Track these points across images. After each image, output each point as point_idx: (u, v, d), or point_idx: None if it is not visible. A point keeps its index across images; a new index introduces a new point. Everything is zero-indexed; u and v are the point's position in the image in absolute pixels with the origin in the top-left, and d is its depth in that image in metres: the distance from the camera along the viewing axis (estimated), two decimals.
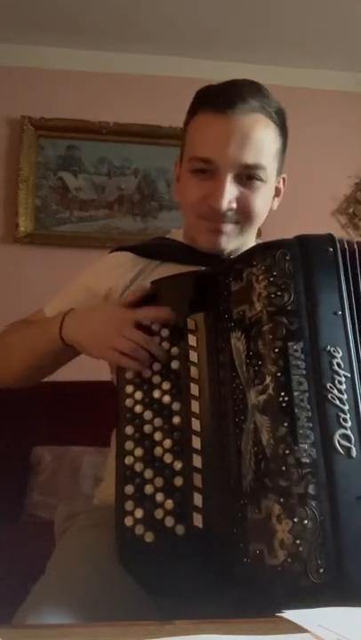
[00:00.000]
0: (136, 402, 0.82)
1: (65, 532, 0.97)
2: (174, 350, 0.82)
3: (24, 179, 2.67)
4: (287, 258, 0.76)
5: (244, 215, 0.92)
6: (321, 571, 0.63)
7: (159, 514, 0.74)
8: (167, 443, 0.78)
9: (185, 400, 0.79)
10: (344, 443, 0.67)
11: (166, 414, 0.79)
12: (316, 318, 0.72)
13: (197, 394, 0.79)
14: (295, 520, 0.65)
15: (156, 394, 0.81)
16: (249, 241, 0.99)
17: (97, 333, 0.87)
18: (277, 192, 1.01)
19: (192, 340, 0.82)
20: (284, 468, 0.67)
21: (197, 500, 0.73)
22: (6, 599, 0.76)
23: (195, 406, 0.78)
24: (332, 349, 0.71)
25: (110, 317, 0.87)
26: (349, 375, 0.70)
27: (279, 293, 0.74)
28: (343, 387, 0.69)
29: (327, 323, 0.72)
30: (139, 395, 0.82)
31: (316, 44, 2.65)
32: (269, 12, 2.42)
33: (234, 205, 0.91)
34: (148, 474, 0.77)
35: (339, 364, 0.70)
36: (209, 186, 0.90)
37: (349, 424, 0.67)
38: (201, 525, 0.72)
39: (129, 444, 0.80)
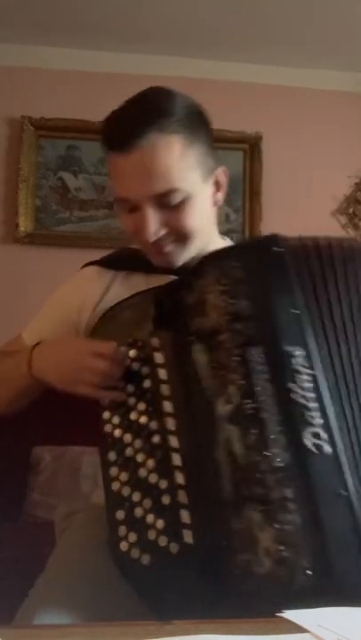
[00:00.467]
0: (115, 426, 0.83)
1: (64, 531, 0.97)
2: (145, 370, 0.83)
3: (24, 179, 2.66)
4: (234, 265, 0.76)
5: (178, 234, 0.92)
6: (308, 573, 0.63)
7: (152, 535, 0.74)
8: (150, 463, 0.78)
9: (161, 418, 0.79)
10: (315, 441, 0.66)
11: (145, 434, 0.79)
12: (273, 320, 0.72)
13: (171, 410, 0.78)
14: (276, 526, 0.65)
15: (133, 415, 0.81)
16: (208, 243, 0.97)
17: (63, 369, 0.88)
18: (218, 187, 0.98)
19: (159, 357, 0.82)
20: (258, 476, 0.67)
21: (185, 516, 0.73)
22: (6, 599, 0.76)
23: (170, 423, 0.78)
24: (291, 349, 0.70)
25: (74, 351, 0.88)
26: (313, 372, 0.69)
27: (231, 301, 0.74)
28: (307, 385, 0.69)
29: (284, 323, 0.72)
30: (116, 419, 0.83)
31: (316, 44, 2.65)
32: (270, 11, 2.42)
33: (163, 231, 0.91)
34: (136, 497, 0.77)
35: (301, 363, 0.70)
36: (136, 218, 0.91)
37: (318, 421, 0.67)
38: (192, 541, 0.72)
39: (114, 471, 0.80)
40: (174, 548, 0.73)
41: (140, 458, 0.79)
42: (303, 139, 2.83)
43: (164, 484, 0.76)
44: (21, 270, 2.64)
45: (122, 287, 0.98)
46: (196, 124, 0.92)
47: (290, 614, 0.54)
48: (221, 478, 0.70)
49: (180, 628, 0.53)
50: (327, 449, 0.66)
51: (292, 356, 0.70)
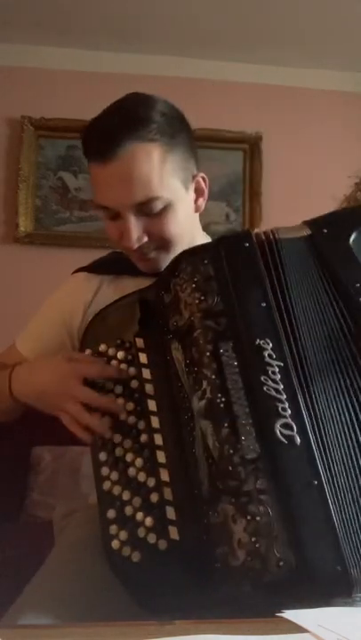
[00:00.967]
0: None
1: (62, 531, 0.98)
2: (131, 370, 0.83)
3: (24, 179, 2.67)
4: (205, 262, 0.77)
5: (160, 241, 0.93)
6: (281, 564, 0.63)
7: (142, 532, 0.75)
8: (138, 462, 0.79)
9: (147, 417, 0.80)
10: (286, 432, 0.66)
11: (134, 434, 0.80)
12: (243, 315, 0.73)
13: (155, 409, 0.80)
14: (248, 518, 0.65)
15: (122, 416, 0.82)
16: (191, 242, 0.98)
17: (45, 393, 0.87)
18: (199, 193, 0.99)
19: (143, 357, 0.83)
20: (231, 468, 0.67)
21: (170, 513, 0.74)
22: (6, 599, 0.76)
23: (155, 422, 0.79)
24: (261, 342, 0.71)
25: (58, 375, 0.85)
26: (282, 364, 0.70)
27: (203, 298, 0.75)
28: (278, 377, 0.69)
29: (253, 317, 0.73)
30: (106, 418, 0.83)
31: (316, 44, 2.65)
32: (270, 11, 2.42)
33: (145, 238, 0.92)
34: (126, 495, 0.78)
35: (270, 355, 0.70)
36: (118, 226, 0.92)
37: (289, 412, 0.67)
38: (177, 537, 0.73)
39: (104, 470, 0.81)
40: (163, 544, 0.74)
41: (129, 457, 0.80)
42: (303, 139, 2.84)
43: (151, 482, 0.77)
44: (21, 270, 2.64)
45: (110, 290, 1.00)
46: (176, 129, 0.92)
47: (290, 614, 0.54)
48: (200, 473, 0.71)
49: (180, 627, 0.54)
50: (298, 440, 0.66)
51: (263, 348, 0.71)
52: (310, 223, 0.82)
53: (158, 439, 0.78)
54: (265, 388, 0.69)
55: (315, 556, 0.62)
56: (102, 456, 0.82)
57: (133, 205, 0.89)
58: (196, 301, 0.76)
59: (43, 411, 0.89)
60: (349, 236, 0.79)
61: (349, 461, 0.66)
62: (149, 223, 0.91)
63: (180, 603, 0.70)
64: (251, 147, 2.79)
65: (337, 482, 0.65)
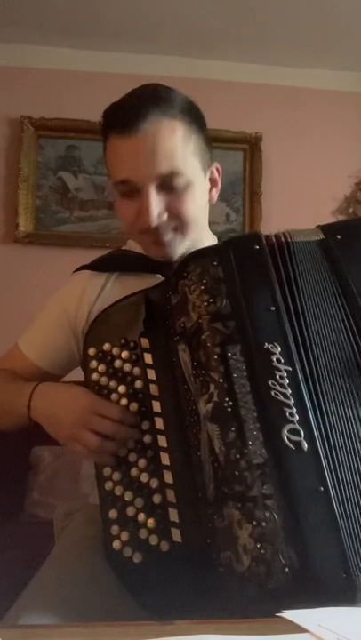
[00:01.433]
0: None
1: (63, 531, 0.98)
2: (136, 370, 0.83)
3: (24, 179, 2.67)
4: (214, 263, 0.77)
5: (179, 221, 0.92)
6: (286, 570, 0.63)
7: (143, 533, 0.75)
8: (142, 462, 0.79)
9: (151, 418, 0.80)
10: (293, 437, 0.66)
11: (137, 434, 0.80)
12: (251, 318, 0.73)
13: (160, 410, 0.79)
14: (254, 523, 0.65)
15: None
16: (200, 237, 0.99)
17: (61, 421, 0.84)
18: (213, 183, 1.00)
19: (148, 358, 0.82)
20: (237, 473, 0.67)
21: (173, 515, 0.74)
22: (6, 599, 0.76)
23: (159, 423, 0.79)
24: (270, 346, 0.70)
25: (75, 405, 0.83)
26: (290, 369, 0.69)
27: (211, 300, 0.75)
28: (286, 381, 0.69)
29: (262, 321, 0.72)
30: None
31: (316, 44, 2.65)
32: (270, 11, 2.42)
33: (165, 216, 0.91)
34: (129, 496, 0.78)
35: (278, 360, 0.70)
36: (137, 204, 0.91)
37: (297, 418, 0.67)
38: (180, 540, 0.73)
39: (107, 470, 0.81)
40: (165, 546, 0.74)
41: (132, 458, 0.80)
42: (303, 139, 2.84)
43: (154, 484, 0.77)
44: (21, 270, 2.64)
45: (114, 288, 0.99)
46: (195, 117, 0.93)
47: (290, 614, 0.54)
48: (205, 476, 0.71)
49: (181, 627, 0.54)
50: (305, 445, 0.66)
51: (271, 352, 0.70)
52: (324, 228, 0.82)
53: (162, 440, 0.78)
54: (273, 393, 0.68)
55: (319, 563, 0.62)
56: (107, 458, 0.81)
57: (157, 178, 0.88)
58: (205, 303, 0.75)
59: (51, 435, 0.87)
60: None
61: (356, 468, 0.66)
62: (169, 200, 0.90)
63: (180, 604, 0.70)
64: (251, 147, 2.79)
65: (343, 488, 0.65)
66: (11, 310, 2.52)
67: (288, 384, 0.69)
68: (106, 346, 0.86)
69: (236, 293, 0.75)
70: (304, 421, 0.67)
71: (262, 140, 2.78)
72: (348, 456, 0.66)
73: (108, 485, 0.80)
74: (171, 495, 0.75)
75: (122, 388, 0.83)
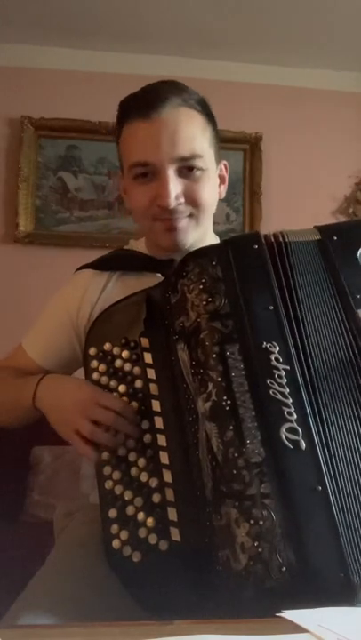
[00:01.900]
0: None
1: (62, 530, 0.98)
2: (136, 370, 0.83)
3: (24, 179, 2.67)
4: (213, 263, 0.77)
5: (194, 206, 0.93)
6: (283, 569, 0.63)
7: (143, 533, 0.75)
8: (141, 462, 0.79)
9: (151, 417, 0.80)
10: (291, 436, 0.66)
11: (137, 433, 0.80)
12: (250, 317, 0.73)
13: (159, 409, 0.80)
14: (251, 522, 0.65)
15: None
16: (206, 232, 1.00)
17: (64, 411, 0.85)
18: (222, 179, 1.02)
19: (148, 357, 0.83)
20: (235, 472, 0.67)
21: (172, 514, 0.75)
22: (6, 599, 0.76)
23: (158, 422, 0.79)
24: (268, 345, 0.71)
25: (79, 396, 0.83)
26: (289, 368, 0.70)
27: (210, 299, 0.75)
28: (284, 380, 0.69)
29: (260, 320, 0.73)
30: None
31: (316, 44, 2.65)
32: (270, 12, 2.42)
33: (182, 199, 0.92)
34: (128, 495, 0.78)
35: (277, 359, 0.70)
36: (154, 187, 0.91)
37: (295, 417, 0.67)
38: (179, 539, 0.73)
39: (107, 469, 0.81)
40: (164, 545, 0.74)
41: (132, 457, 0.80)
42: (303, 139, 2.84)
43: (154, 483, 0.77)
44: (21, 270, 2.64)
45: (116, 288, 0.99)
46: (209, 113, 0.97)
47: (290, 614, 0.54)
48: (203, 475, 0.71)
49: (181, 627, 0.54)
50: (303, 444, 0.66)
51: (269, 352, 0.70)
52: (322, 228, 0.82)
53: (162, 440, 0.78)
54: (271, 392, 0.68)
55: (317, 562, 0.62)
56: (104, 455, 0.81)
57: (177, 160, 0.90)
58: (204, 303, 0.75)
59: (53, 426, 0.88)
60: (358, 248, 0.79)
61: (354, 467, 0.66)
62: (186, 185, 0.92)
63: (179, 603, 0.70)
64: (251, 147, 2.79)
65: (341, 487, 0.65)
66: (11, 310, 2.52)
67: (286, 383, 0.69)
68: (106, 345, 0.86)
69: (234, 293, 0.75)
70: (302, 420, 0.67)
71: (262, 139, 2.79)
72: (346, 455, 0.66)
73: (108, 484, 0.80)
74: (170, 494, 0.75)
75: (122, 388, 0.83)
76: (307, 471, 0.65)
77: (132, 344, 0.85)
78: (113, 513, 0.78)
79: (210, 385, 0.71)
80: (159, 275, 0.94)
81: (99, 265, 1.04)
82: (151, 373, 0.82)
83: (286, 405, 0.68)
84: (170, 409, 0.79)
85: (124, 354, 0.85)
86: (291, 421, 0.67)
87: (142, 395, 0.82)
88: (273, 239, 0.80)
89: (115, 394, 0.84)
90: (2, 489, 2.16)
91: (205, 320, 0.74)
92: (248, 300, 0.74)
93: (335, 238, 0.80)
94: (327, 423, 0.68)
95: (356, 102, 2.89)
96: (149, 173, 0.91)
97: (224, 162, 1.03)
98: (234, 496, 0.67)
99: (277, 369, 0.69)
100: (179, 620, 0.55)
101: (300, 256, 0.78)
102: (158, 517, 0.75)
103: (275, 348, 0.71)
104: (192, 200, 0.93)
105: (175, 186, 0.90)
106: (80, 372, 0.99)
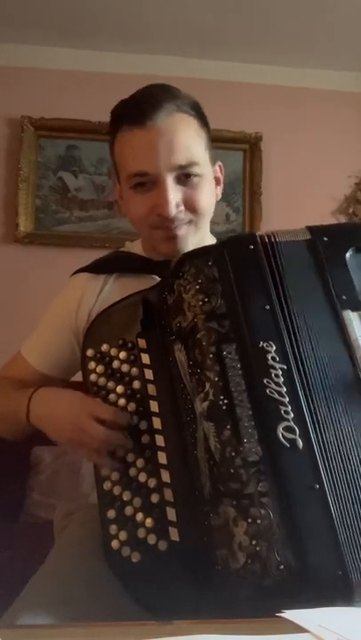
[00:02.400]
0: None
1: (62, 531, 0.98)
2: (134, 371, 0.84)
3: (24, 179, 2.67)
4: (209, 263, 0.77)
5: (193, 212, 0.93)
6: (281, 567, 0.63)
7: (141, 533, 0.76)
8: (140, 462, 0.79)
9: (149, 418, 0.80)
10: (288, 435, 0.67)
11: (136, 434, 0.81)
12: (246, 317, 0.73)
13: (157, 410, 0.80)
14: (249, 521, 0.65)
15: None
16: (204, 234, 1.00)
17: (58, 423, 0.85)
18: (218, 181, 1.02)
19: (145, 358, 0.83)
20: (232, 471, 0.67)
21: (171, 514, 0.75)
22: (6, 599, 0.76)
23: (156, 423, 0.79)
24: (265, 345, 0.71)
25: (72, 408, 0.84)
26: (285, 367, 0.70)
27: (206, 299, 0.75)
28: (281, 379, 0.69)
29: (257, 319, 0.73)
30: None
31: (316, 44, 2.65)
32: (270, 11, 2.42)
33: (181, 207, 0.92)
34: (127, 495, 0.78)
35: (274, 358, 0.70)
36: (153, 196, 0.91)
37: (292, 416, 0.67)
38: (178, 539, 0.73)
39: (105, 470, 0.81)
40: (163, 545, 0.74)
41: (130, 457, 0.80)
42: (303, 139, 2.84)
43: (152, 483, 0.77)
44: (21, 270, 2.64)
45: (113, 290, 0.99)
46: (202, 116, 0.96)
47: (290, 614, 0.54)
48: (201, 475, 0.71)
49: (181, 627, 0.54)
50: (300, 443, 0.66)
51: (266, 351, 0.71)
52: (312, 228, 0.82)
53: (160, 440, 0.78)
54: (268, 391, 0.69)
55: (315, 560, 0.62)
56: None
57: (175, 168, 0.90)
58: (200, 303, 0.76)
59: (50, 437, 0.88)
60: (347, 250, 0.79)
61: (351, 465, 0.66)
62: (185, 193, 0.92)
63: (179, 603, 0.70)
64: (251, 147, 2.79)
65: (338, 486, 0.65)
66: (11, 310, 2.52)
67: (283, 382, 0.69)
68: (104, 347, 0.87)
69: (230, 293, 0.75)
70: (299, 419, 0.67)
71: (262, 139, 2.79)
72: (342, 453, 0.67)
73: (107, 485, 0.80)
74: (168, 494, 0.76)
75: (120, 389, 0.84)
76: (304, 469, 0.65)
77: (130, 345, 0.85)
78: (112, 513, 0.78)
79: (207, 385, 0.72)
80: (156, 276, 0.94)
81: (94, 268, 1.04)
82: (149, 374, 0.82)
83: (283, 404, 0.68)
84: (168, 409, 0.79)
85: (122, 355, 0.85)
86: (288, 420, 0.67)
87: (140, 395, 0.82)
88: (266, 239, 0.80)
89: (112, 395, 0.84)
90: (2, 489, 2.16)
91: (202, 320, 0.75)
92: (244, 299, 0.74)
93: (325, 239, 0.80)
94: (324, 421, 0.68)
95: (356, 102, 2.89)
96: (148, 182, 0.91)
97: (219, 163, 1.02)
98: (232, 495, 0.67)
99: (274, 368, 0.70)
100: (178, 620, 0.55)
101: (290, 255, 0.78)
102: (157, 517, 0.75)
103: (271, 347, 0.71)
104: (191, 207, 0.93)
105: (174, 194, 0.90)
106: (79, 374, 0.99)
